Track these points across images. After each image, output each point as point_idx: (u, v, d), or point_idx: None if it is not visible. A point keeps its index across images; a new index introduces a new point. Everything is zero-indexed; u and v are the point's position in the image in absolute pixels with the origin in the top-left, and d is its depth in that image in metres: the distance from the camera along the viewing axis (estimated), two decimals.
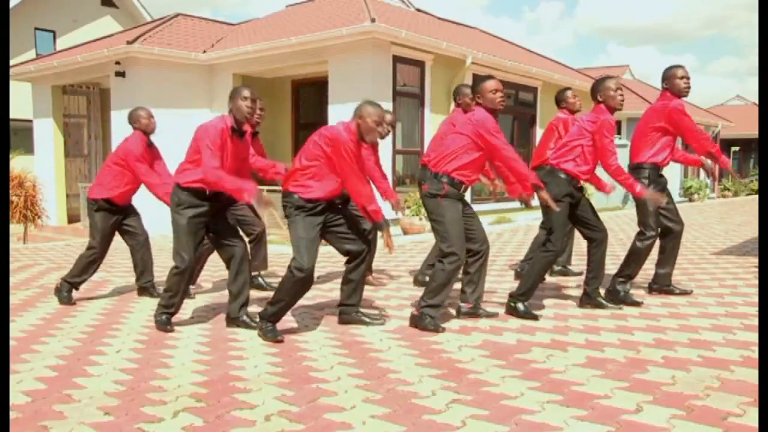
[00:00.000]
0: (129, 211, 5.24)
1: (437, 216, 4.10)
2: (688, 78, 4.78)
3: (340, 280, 4.33)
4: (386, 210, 9.90)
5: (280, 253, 7.56)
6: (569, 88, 6.16)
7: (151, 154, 5.12)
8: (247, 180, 4.12)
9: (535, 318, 4.31)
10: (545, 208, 4.53)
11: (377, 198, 4.15)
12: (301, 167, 3.92)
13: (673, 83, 4.77)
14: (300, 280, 3.84)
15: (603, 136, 4.38)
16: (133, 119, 5.09)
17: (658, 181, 4.80)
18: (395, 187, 10.26)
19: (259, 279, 5.59)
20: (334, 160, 3.87)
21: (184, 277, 4.16)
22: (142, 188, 5.15)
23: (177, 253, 4.13)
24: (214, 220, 4.21)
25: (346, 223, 4.06)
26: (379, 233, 4.18)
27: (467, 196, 4.68)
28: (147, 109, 5.14)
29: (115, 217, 5.14)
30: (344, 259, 4.21)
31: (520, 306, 4.39)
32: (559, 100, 6.02)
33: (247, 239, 5.27)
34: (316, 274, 6.15)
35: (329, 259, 6.95)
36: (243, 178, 4.18)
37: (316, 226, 3.90)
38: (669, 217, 4.90)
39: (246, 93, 4.06)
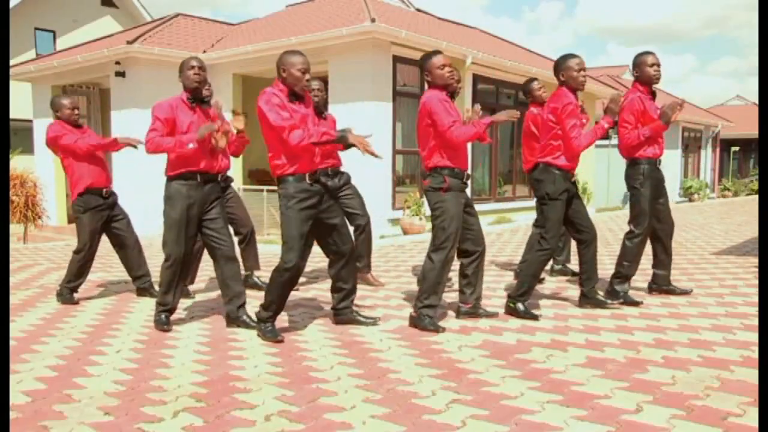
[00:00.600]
0: (116, 212, 5.19)
1: (439, 211, 4.08)
2: (658, 65, 4.70)
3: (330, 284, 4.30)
4: (385, 212, 9.78)
5: (279, 253, 7.55)
6: (535, 79, 5.97)
7: (80, 132, 5.05)
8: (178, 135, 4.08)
9: (535, 318, 4.31)
10: (541, 204, 4.52)
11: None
12: (272, 153, 3.82)
13: (643, 70, 4.70)
14: (288, 278, 3.84)
15: (563, 123, 4.30)
16: (55, 107, 5.06)
17: (654, 177, 4.78)
18: (395, 187, 10.27)
19: (254, 278, 5.59)
20: (261, 119, 3.72)
21: (176, 270, 4.16)
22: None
23: (166, 246, 4.15)
24: (206, 215, 4.19)
25: (337, 226, 4.00)
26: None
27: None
28: (73, 99, 5.11)
29: (102, 214, 5.08)
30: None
31: (520, 306, 4.38)
32: (525, 93, 5.91)
33: (236, 239, 5.26)
34: (314, 274, 6.18)
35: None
36: (215, 156, 4.23)
37: (308, 221, 3.83)
38: (659, 217, 4.87)
39: (193, 63, 4.15)
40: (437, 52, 4.15)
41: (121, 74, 10.97)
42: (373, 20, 9.27)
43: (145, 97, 10.74)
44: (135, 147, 4.87)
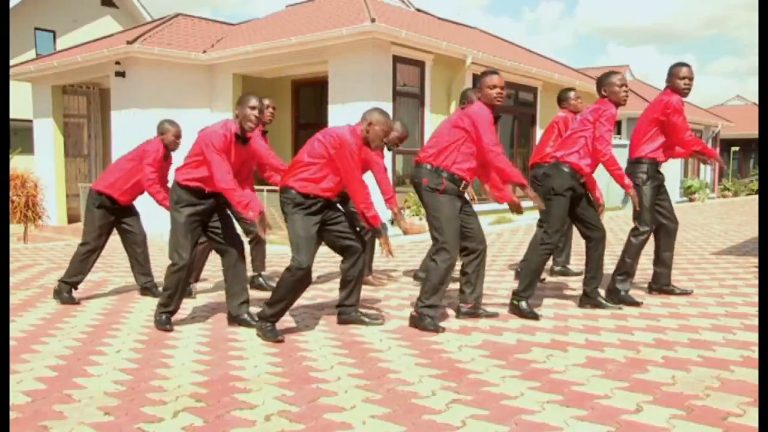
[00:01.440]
0: (128, 210, 5.23)
1: (434, 211, 4.10)
2: (689, 79, 4.74)
3: (339, 280, 4.32)
4: (385, 212, 9.88)
5: (280, 253, 7.57)
6: (573, 89, 6.13)
7: (164, 165, 5.10)
8: (253, 193, 4.18)
9: (537, 317, 4.31)
10: (546, 199, 4.53)
11: (378, 203, 4.20)
12: (303, 163, 3.92)
13: (674, 82, 4.77)
14: (299, 279, 3.85)
15: (601, 125, 4.38)
16: (161, 131, 5.07)
17: (655, 177, 4.80)
18: (395, 187, 10.25)
19: (260, 279, 5.60)
20: (337, 162, 3.87)
21: (182, 275, 4.16)
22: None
23: (174, 251, 4.15)
24: (212, 219, 4.22)
25: (343, 221, 4.07)
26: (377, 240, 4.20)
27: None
28: (178, 128, 5.08)
29: (113, 216, 5.14)
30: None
31: (523, 304, 4.40)
32: (561, 100, 6.01)
33: (246, 238, 5.28)
34: (316, 274, 6.19)
35: (329, 259, 6.95)
36: (242, 180, 4.23)
37: (314, 225, 3.90)
38: (664, 214, 4.91)
39: (254, 102, 4.05)
40: (494, 72, 4.20)
41: (121, 74, 10.97)
42: (373, 20, 9.27)
43: (145, 97, 10.76)
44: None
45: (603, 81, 4.53)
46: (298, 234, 3.85)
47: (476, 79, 11.52)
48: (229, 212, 4.39)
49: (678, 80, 4.74)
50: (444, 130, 4.22)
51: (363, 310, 4.34)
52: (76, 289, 5.17)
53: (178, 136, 5.07)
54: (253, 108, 4.03)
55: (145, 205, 5.47)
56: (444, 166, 4.09)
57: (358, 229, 5.32)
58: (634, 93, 19.11)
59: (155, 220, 6.59)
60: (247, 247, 4.71)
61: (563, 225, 4.54)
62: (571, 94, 5.98)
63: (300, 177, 3.91)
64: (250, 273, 5.44)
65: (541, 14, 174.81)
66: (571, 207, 4.47)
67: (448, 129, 4.19)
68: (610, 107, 4.43)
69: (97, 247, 5.14)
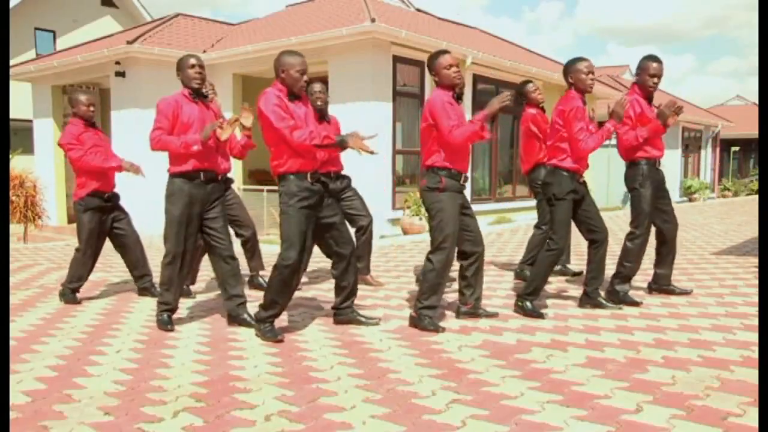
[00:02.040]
0: (118, 212, 5.20)
1: (435, 211, 4.08)
2: (658, 77, 4.66)
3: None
4: (385, 212, 9.80)
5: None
6: (530, 81, 6.04)
7: (93, 136, 5.09)
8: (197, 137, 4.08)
9: (542, 316, 4.32)
10: (549, 206, 4.52)
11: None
12: (273, 153, 3.84)
13: (643, 78, 4.68)
14: (287, 276, 3.82)
15: (570, 126, 4.31)
16: (72, 103, 5.11)
17: (654, 177, 4.78)
18: (395, 187, 10.27)
19: (259, 279, 5.59)
20: (264, 120, 3.75)
21: (176, 267, 4.15)
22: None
23: (166, 242, 4.16)
24: (207, 215, 4.20)
25: (338, 223, 4.02)
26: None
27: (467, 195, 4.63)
28: (89, 96, 5.14)
29: (103, 216, 5.10)
30: None
31: (528, 304, 4.41)
32: (522, 95, 5.92)
33: (237, 240, 5.26)
34: (314, 273, 6.18)
35: (329, 259, 6.94)
36: (219, 149, 4.28)
37: (309, 219, 3.83)
38: (663, 217, 4.88)
39: (192, 61, 4.12)
40: (444, 52, 4.13)
41: (121, 74, 10.97)
42: (373, 20, 9.27)
43: (145, 97, 10.74)
44: (136, 173, 4.98)
45: (569, 68, 4.41)
46: (289, 230, 3.80)
47: (476, 78, 11.54)
48: (224, 213, 4.35)
49: (647, 76, 4.66)
50: (424, 131, 4.16)
51: (359, 310, 4.34)
52: (78, 291, 5.18)
53: (90, 104, 5.11)
54: (192, 66, 4.11)
55: (139, 205, 5.47)
56: (440, 165, 4.06)
57: (356, 226, 5.35)
58: None
59: (154, 219, 6.58)
60: (239, 249, 4.70)
61: (568, 229, 4.52)
62: (530, 86, 5.89)
63: (281, 163, 3.82)
64: (246, 273, 5.46)
65: (541, 14, 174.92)
66: (574, 208, 4.45)
67: (425, 127, 4.13)
68: (575, 103, 4.31)
69: (93, 251, 5.12)
